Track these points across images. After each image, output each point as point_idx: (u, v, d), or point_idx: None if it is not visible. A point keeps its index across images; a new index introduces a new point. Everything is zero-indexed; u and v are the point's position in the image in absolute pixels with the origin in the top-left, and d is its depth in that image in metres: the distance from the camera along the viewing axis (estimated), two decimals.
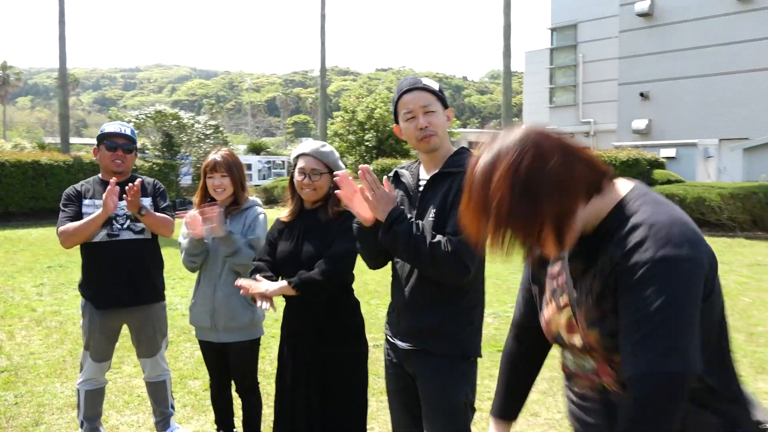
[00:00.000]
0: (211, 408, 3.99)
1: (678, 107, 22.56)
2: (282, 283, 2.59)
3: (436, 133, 2.15)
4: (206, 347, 3.30)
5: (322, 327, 2.68)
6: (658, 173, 15.34)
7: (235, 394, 3.37)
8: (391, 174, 2.38)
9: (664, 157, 17.09)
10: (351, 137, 25.96)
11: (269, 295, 2.56)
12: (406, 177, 2.29)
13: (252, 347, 3.24)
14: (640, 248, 1.16)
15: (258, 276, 2.65)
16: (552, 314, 1.41)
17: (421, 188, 2.22)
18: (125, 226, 3.37)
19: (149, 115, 21.45)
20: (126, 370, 4.80)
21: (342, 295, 2.74)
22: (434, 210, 2.10)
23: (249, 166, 37.00)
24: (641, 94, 23.85)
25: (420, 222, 2.05)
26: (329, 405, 2.70)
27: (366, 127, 25.28)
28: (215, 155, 3.20)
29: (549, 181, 1.17)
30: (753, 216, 12.92)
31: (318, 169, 2.69)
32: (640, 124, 23.67)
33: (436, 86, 2.18)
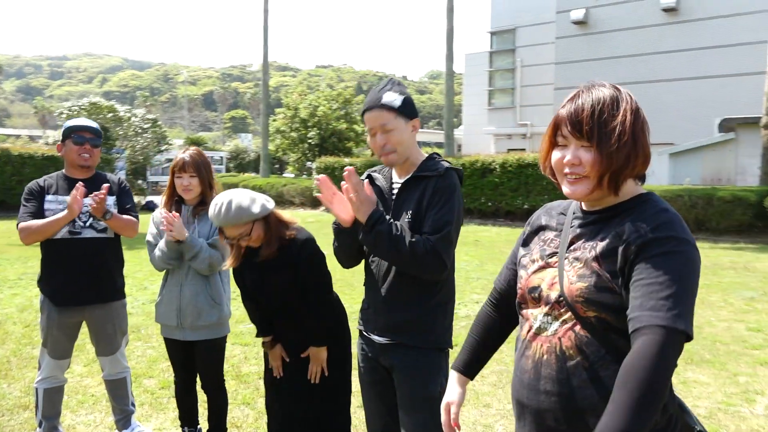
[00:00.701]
0: (169, 406, 4.01)
1: None
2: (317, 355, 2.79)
3: (395, 150, 2.24)
4: (172, 345, 3.30)
5: (303, 335, 2.82)
6: None
7: (200, 391, 3.40)
8: (363, 177, 2.49)
9: None
10: (293, 134, 25.84)
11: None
12: (380, 180, 2.40)
13: (218, 345, 3.28)
14: (667, 227, 1.36)
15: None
16: (537, 270, 1.56)
17: (395, 191, 2.34)
18: (88, 224, 3.34)
19: (83, 106, 20.69)
20: (77, 370, 4.71)
21: (324, 297, 2.84)
22: (410, 212, 2.22)
23: None
24: None
25: (398, 222, 2.17)
26: (313, 403, 2.83)
27: (309, 124, 25.22)
28: (183, 155, 3.19)
29: (647, 138, 1.47)
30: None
31: (244, 233, 2.71)
32: None
33: (397, 102, 2.23)
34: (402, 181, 2.32)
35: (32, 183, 3.41)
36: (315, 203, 21.12)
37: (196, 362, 3.29)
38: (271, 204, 2.78)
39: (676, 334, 1.27)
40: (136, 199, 4.29)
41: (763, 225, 13.02)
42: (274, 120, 27.26)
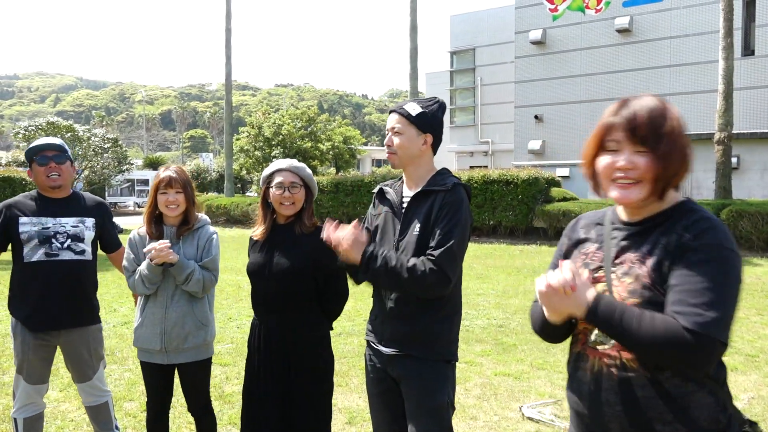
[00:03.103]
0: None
1: (569, 129, 24.18)
2: None
3: (396, 152, 2.38)
4: (151, 369, 3.17)
5: (291, 339, 2.78)
6: (555, 191, 16.38)
7: (188, 414, 3.34)
8: (375, 190, 2.55)
9: (559, 176, 18.27)
10: (257, 153, 25.67)
11: None
12: (391, 194, 2.46)
13: (205, 367, 3.21)
14: (709, 235, 1.42)
15: None
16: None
17: (404, 205, 2.39)
18: (66, 245, 3.27)
19: (40, 126, 20.20)
20: (53, 395, 4.57)
21: (309, 306, 2.83)
22: (418, 226, 2.28)
23: (147, 182, 35.56)
24: (536, 117, 25.35)
25: (391, 253, 2.25)
26: (296, 414, 2.79)
27: (273, 143, 25.12)
28: (169, 171, 3.14)
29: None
30: None
31: (296, 182, 2.85)
32: (535, 144, 25.13)
33: (414, 111, 2.36)
34: (411, 194, 2.38)
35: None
36: None
37: (182, 385, 3.19)
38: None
39: (716, 344, 1.34)
40: None
41: None
42: (238, 139, 27.08)
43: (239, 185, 36.01)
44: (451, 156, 33.83)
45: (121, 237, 3.73)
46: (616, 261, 1.55)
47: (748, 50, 21.25)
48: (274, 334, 2.80)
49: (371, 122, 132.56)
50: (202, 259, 3.12)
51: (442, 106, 2.43)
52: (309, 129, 26.14)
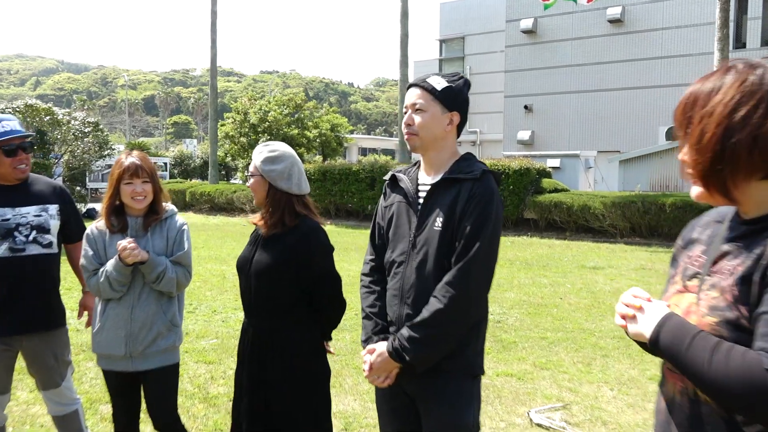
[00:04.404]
0: None
1: (558, 120, 23.99)
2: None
3: (417, 133, 2.07)
4: (114, 378, 2.81)
5: (275, 346, 2.42)
6: (546, 182, 16.14)
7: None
8: (386, 177, 2.23)
9: (550, 167, 18.05)
10: (243, 140, 25.18)
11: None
12: (405, 182, 2.15)
13: (173, 373, 2.86)
14: None
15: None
16: (673, 294, 1.34)
17: (421, 194, 2.08)
18: (31, 238, 2.92)
19: (18, 109, 19.51)
20: (22, 397, 4.22)
21: (296, 311, 2.45)
22: (440, 220, 1.98)
23: None
24: (525, 107, 25.13)
25: (413, 328, 1.97)
26: (290, 429, 2.47)
27: (259, 130, 24.63)
28: (133, 159, 2.78)
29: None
30: (632, 223, 13.93)
31: (253, 172, 2.49)
32: (524, 135, 24.92)
33: (439, 85, 2.05)
34: (431, 182, 2.07)
35: None
36: None
37: (147, 398, 2.83)
38: (298, 188, 2.47)
39: None
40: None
41: None
42: (223, 125, 26.52)
43: (224, 172, 35.46)
44: None
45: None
46: (713, 268, 1.27)
47: (740, 43, 21.14)
48: (257, 340, 2.45)
49: (357, 110, 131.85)
50: (173, 253, 2.79)
51: (467, 83, 2.13)
52: (296, 116, 25.67)
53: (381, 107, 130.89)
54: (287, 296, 2.41)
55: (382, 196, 2.29)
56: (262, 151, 2.48)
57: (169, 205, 2.91)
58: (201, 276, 8.92)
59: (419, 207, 2.07)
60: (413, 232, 2.04)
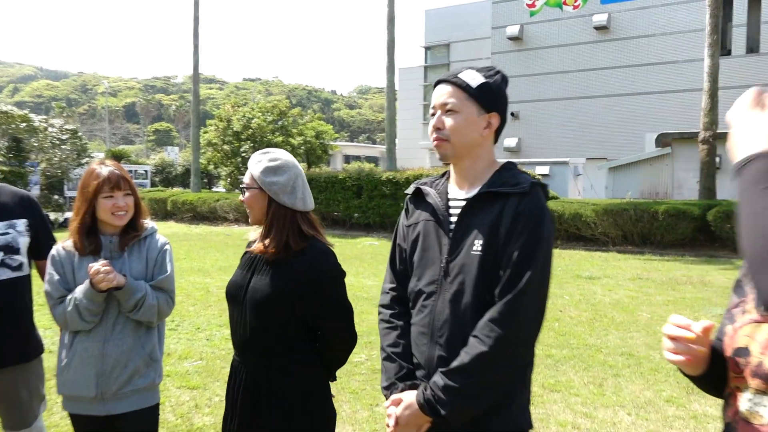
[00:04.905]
0: None
1: (545, 127, 23.86)
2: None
3: (449, 138, 1.74)
4: (84, 423, 2.41)
5: (272, 391, 2.02)
6: None
7: None
8: (408, 191, 1.89)
9: (539, 174, 17.85)
10: (226, 147, 24.72)
11: None
12: (433, 196, 1.81)
13: (152, 416, 2.48)
14: None
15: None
16: (745, 325, 1.18)
17: (453, 211, 1.75)
18: (0, 260, 2.56)
19: None
20: None
21: (299, 350, 2.06)
22: (480, 242, 1.64)
23: None
24: (512, 114, 24.97)
25: (448, 377, 1.64)
26: None
27: (242, 137, 24.19)
28: (111, 168, 2.41)
29: None
30: (624, 231, 13.72)
31: (249, 184, 2.10)
32: (511, 142, 24.76)
33: (475, 81, 1.72)
34: (466, 197, 1.73)
35: None
36: None
37: None
38: (302, 203, 2.10)
39: None
40: (52, 216, 3.44)
41: (704, 238, 13.20)
42: (205, 132, 26.05)
43: (206, 180, 34.90)
44: (424, 153, 33.36)
45: None
46: None
47: (725, 50, 21.18)
48: (252, 384, 2.05)
49: (340, 118, 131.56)
50: (153, 276, 2.43)
51: (505, 79, 1.80)
52: (280, 123, 25.27)
53: (364, 115, 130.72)
54: (291, 332, 2.03)
55: (403, 213, 1.94)
56: (261, 160, 2.10)
57: (148, 222, 2.54)
58: (183, 290, 8.49)
59: (452, 226, 1.73)
60: (445, 257, 1.71)
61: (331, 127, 30.91)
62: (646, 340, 6.15)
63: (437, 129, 1.76)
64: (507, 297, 1.58)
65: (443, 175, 1.89)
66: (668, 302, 8.09)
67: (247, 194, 2.11)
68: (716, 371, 1.30)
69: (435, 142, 1.77)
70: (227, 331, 6.75)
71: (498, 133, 1.80)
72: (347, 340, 2.11)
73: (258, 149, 20.62)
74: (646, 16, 22.12)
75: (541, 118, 24.11)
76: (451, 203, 1.78)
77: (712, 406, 4.38)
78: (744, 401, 1.16)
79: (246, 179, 2.12)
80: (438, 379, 1.62)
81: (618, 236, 13.82)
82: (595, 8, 22.54)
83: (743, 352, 1.15)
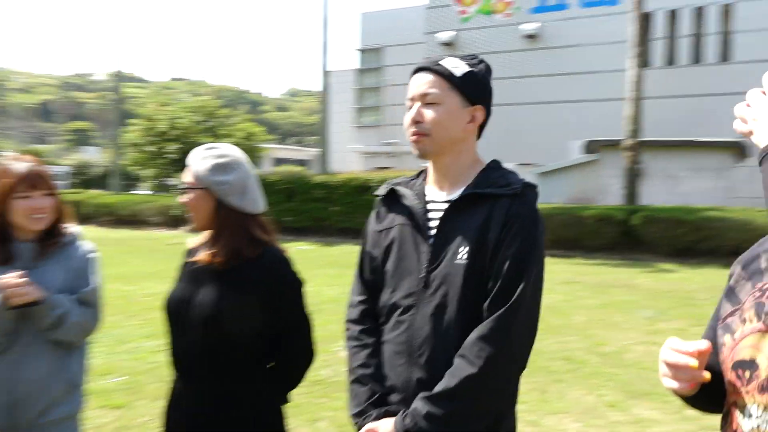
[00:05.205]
0: None
1: None
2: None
3: (429, 133, 1.56)
4: None
5: (234, 419, 1.77)
6: None
7: None
8: (379, 192, 1.69)
9: None
10: (150, 148, 23.71)
11: None
12: (409, 198, 1.61)
13: None
14: None
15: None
16: (748, 335, 1.07)
17: (432, 214, 1.57)
18: None
19: None
20: None
21: (253, 371, 1.82)
22: (466, 249, 1.46)
23: None
24: None
25: (434, 403, 1.44)
26: None
27: (168, 137, 23.27)
28: (27, 164, 2.08)
29: None
30: (555, 236, 14.00)
31: (192, 184, 1.84)
32: None
33: (458, 69, 1.54)
34: (447, 198, 1.55)
35: None
36: (175, 223, 19.37)
37: None
38: (253, 205, 1.86)
39: None
40: None
41: (629, 242, 13.65)
42: (128, 132, 24.91)
43: (128, 182, 33.47)
44: (355, 156, 33.25)
45: None
46: None
47: (646, 62, 22.15)
48: (199, 413, 1.78)
49: (270, 120, 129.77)
50: (77, 289, 2.11)
51: (489, 69, 1.64)
52: (208, 124, 24.48)
53: (294, 117, 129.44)
54: (244, 351, 1.79)
55: (373, 216, 1.74)
56: (206, 157, 1.84)
57: (71, 227, 2.23)
58: (103, 298, 7.94)
59: (432, 232, 1.55)
60: (425, 267, 1.52)
61: (263, 128, 30.29)
62: (583, 344, 6.19)
63: (416, 122, 1.57)
64: (498, 312, 1.41)
65: (418, 174, 1.71)
66: (601, 305, 8.24)
67: (189, 195, 1.84)
68: (711, 388, 1.17)
69: (413, 137, 1.58)
70: (152, 343, 6.35)
71: (482, 128, 1.63)
72: (308, 355, 1.89)
73: (186, 150, 19.76)
74: (574, 27, 22.87)
75: None
76: (429, 206, 1.60)
77: (654, 409, 4.41)
78: (749, 419, 1.04)
79: (188, 178, 1.86)
80: (419, 405, 1.43)
81: (548, 240, 14.05)
82: (525, 17, 23.14)
83: (747, 364, 1.04)
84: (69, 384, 2.09)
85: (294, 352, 1.86)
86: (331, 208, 16.32)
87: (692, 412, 4.20)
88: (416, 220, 1.57)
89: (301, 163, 41.45)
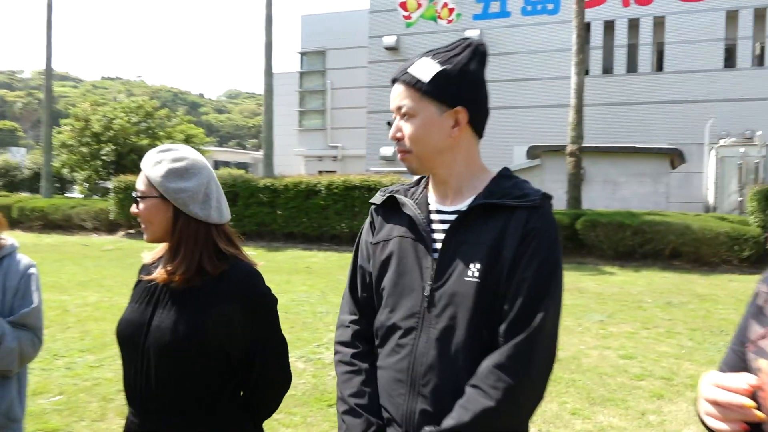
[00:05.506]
0: None
1: None
2: None
3: (410, 149, 1.43)
4: None
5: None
6: None
7: None
8: (375, 200, 1.52)
9: None
10: (83, 149, 22.63)
11: None
12: (410, 207, 1.44)
13: None
14: None
15: None
16: None
17: (436, 226, 1.41)
18: None
19: None
20: None
21: (219, 402, 1.60)
22: (477, 267, 1.31)
23: None
24: (388, 123, 24.99)
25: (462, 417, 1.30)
26: None
27: (103, 139, 22.28)
28: None
29: None
30: None
31: (145, 192, 1.62)
32: (387, 151, 24.93)
33: (427, 73, 1.38)
34: (454, 208, 1.40)
35: None
36: (111, 228, 18.53)
37: None
38: (218, 214, 1.65)
39: None
40: None
41: (573, 246, 13.89)
42: (59, 132, 23.70)
43: (59, 185, 31.92)
44: (299, 160, 32.83)
45: None
46: None
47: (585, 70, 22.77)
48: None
49: (209, 122, 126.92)
50: (13, 310, 1.89)
51: (477, 52, 1.44)
52: (146, 124, 23.59)
53: (234, 120, 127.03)
54: (211, 380, 1.57)
55: (366, 226, 1.57)
56: (161, 160, 1.61)
57: (6, 238, 1.97)
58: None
59: (437, 245, 1.39)
60: (429, 284, 1.36)
61: (203, 130, 29.47)
62: None
63: (396, 139, 1.45)
64: (518, 338, 1.26)
65: (418, 182, 1.55)
66: None
67: (141, 205, 1.61)
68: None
69: (398, 155, 1.45)
70: (91, 357, 5.94)
71: (479, 126, 1.46)
72: (284, 380, 1.70)
73: (121, 152, 18.80)
74: (516, 34, 23.26)
75: None
76: (433, 216, 1.44)
77: (615, 416, 4.39)
78: None
79: (140, 185, 1.63)
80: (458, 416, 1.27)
81: None
82: (467, 24, 23.35)
83: None
84: (3, 418, 1.83)
85: (269, 378, 1.65)
86: (276, 212, 15.97)
87: (655, 417, 4.19)
88: (418, 232, 1.41)
89: (242, 166, 40.63)
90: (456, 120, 1.41)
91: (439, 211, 1.44)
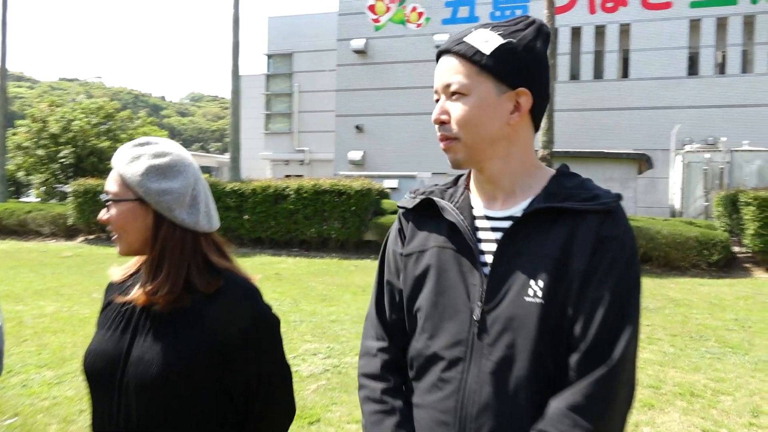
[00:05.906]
0: None
1: (390, 141, 24.14)
2: None
3: (457, 135, 1.18)
4: None
5: None
6: (386, 203, 15.83)
7: None
8: (404, 203, 1.28)
9: (388, 188, 17.83)
10: (40, 151, 21.79)
11: None
12: (450, 212, 1.20)
13: None
14: None
15: None
16: None
17: (483, 234, 1.17)
18: None
19: None
20: None
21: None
22: (540, 285, 1.08)
23: None
24: (357, 127, 24.97)
25: None
26: None
27: (61, 140, 21.48)
28: None
29: None
30: None
31: (118, 194, 1.33)
32: (356, 155, 24.72)
33: (488, 45, 1.14)
34: (507, 214, 1.16)
35: None
36: (70, 234, 17.83)
37: None
38: (207, 220, 1.37)
39: None
40: None
41: None
42: (14, 134, 22.80)
43: (13, 189, 30.76)
44: (265, 164, 32.36)
45: None
46: None
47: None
48: None
49: (171, 125, 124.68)
50: None
51: (542, 33, 1.19)
52: (106, 126, 22.85)
53: (197, 123, 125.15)
54: (202, 418, 1.30)
55: (394, 234, 1.33)
56: (139, 156, 1.33)
57: None
58: None
59: (485, 258, 1.16)
60: (479, 305, 1.13)
61: (167, 133, 28.78)
62: None
63: (441, 123, 1.19)
64: (596, 373, 1.04)
65: (455, 181, 1.31)
66: None
67: (114, 210, 1.33)
68: None
69: (441, 144, 1.20)
70: (50, 374, 5.54)
71: (538, 116, 1.22)
72: (289, 414, 1.44)
73: (80, 154, 18.13)
74: None
75: (387, 132, 24.37)
76: (479, 222, 1.20)
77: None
78: None
79: (111, 186, 1.34)
80: None
81: None
82: (436, 28, 23.32)
83: None
84: None
85: (272, 413, 1.40)
86: (243, 217, 15.57)
87: (649, 430, 4.02)
88: (463, 241, 1.17)
89: (206, 170, 39.87)
90: (516, 104, 1.17)
91: (487, 217, 1.20)
